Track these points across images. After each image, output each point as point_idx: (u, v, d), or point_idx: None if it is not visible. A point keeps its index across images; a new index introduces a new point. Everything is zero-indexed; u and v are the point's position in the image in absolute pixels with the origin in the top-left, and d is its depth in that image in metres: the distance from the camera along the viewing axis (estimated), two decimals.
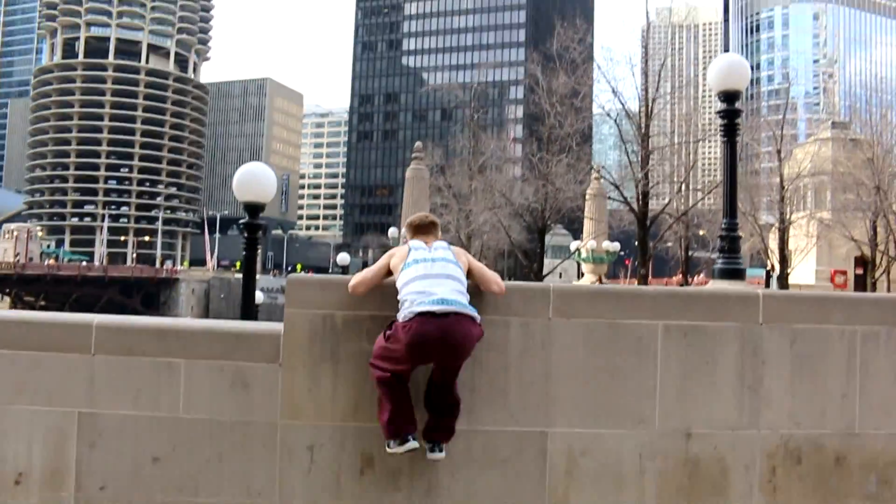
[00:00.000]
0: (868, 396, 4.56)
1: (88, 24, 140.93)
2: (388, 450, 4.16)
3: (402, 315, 4.01)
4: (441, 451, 4.22)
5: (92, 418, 4.38)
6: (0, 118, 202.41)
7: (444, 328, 3.87)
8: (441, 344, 3.92)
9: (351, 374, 4.39)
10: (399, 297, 4.10)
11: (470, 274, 4.31)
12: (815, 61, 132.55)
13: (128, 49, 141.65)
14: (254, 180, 9.31)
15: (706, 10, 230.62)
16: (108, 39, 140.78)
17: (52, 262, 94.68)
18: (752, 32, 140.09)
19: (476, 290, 4.30)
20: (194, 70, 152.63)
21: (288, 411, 4.39)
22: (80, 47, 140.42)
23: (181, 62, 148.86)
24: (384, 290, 4.37)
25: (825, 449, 4.53)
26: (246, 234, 9.20)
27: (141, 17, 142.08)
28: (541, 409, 4.45)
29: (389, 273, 4.32)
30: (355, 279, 4.36)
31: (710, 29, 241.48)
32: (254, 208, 9.18)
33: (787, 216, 31.42)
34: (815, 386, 4.57)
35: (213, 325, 4.86)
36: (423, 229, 4.52)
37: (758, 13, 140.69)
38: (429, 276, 4.07)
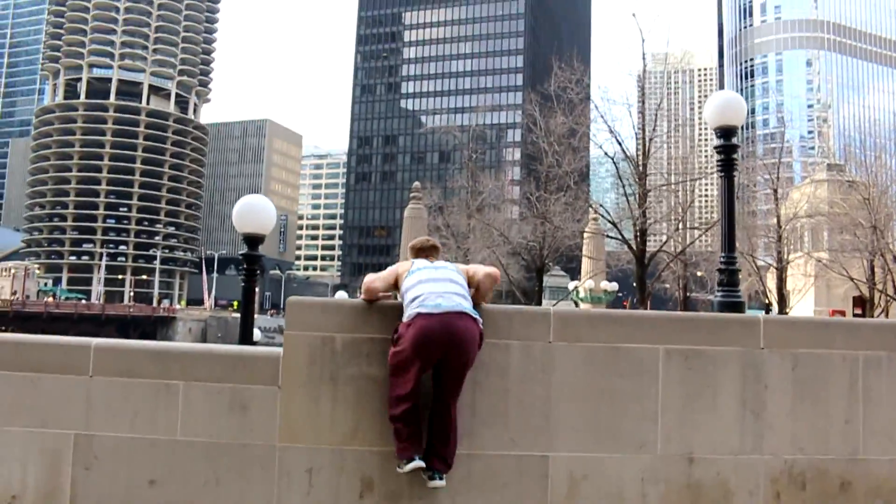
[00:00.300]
0: (872, 422, 4.53)
1: (91, 66, 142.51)
2: (398, 469, 4.15)
3: (407, 315, 4.11)
4: (441, 479, 4.19)
5: (88, 440, 4.33)
6: (1, 157, 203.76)
7: (445, 322, 3.97)
8: (445, 337, 3.98)
9: (351, 397, 4.36)
10: (404, 303, 4.20)
11: (472, 282, 4.37)
12: (810, 106, 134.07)
13: (129, 90, 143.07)
14: (253, 212, 9.33)
15: (701, 56, 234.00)
16: (109, 80, 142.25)
17: (49, 299, 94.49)
18: (746, 77, 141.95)
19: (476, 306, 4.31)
20: (194, 111, 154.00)
21: (286, 434, 4.35)
22: (82, 88, 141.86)
23: (182, 103, 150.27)
24: (384, 313, 4.38)
25: (829, 474, 4.49)
26: (245, 266, 9.19)
27: (143, 59, 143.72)
28: (542, 433, 4.41)
29: (396, 287, 4.39)
30: (370, 276, 4.43)
31: (706, 74, 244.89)
32: (253, 240, 9.18)
33: (785, 256, 31.52)
34: (818, 411, 4.54)
35: (213, 348, 4.84)
36: (424, 251, 4.60)
37: (752, 59, 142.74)
38: (432, 280, 4.19)
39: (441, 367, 4.12)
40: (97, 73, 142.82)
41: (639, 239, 26.40)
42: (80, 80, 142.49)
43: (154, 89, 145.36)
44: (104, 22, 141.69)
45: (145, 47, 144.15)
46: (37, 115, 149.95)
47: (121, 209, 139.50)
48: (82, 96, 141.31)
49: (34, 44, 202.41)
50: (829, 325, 4.93)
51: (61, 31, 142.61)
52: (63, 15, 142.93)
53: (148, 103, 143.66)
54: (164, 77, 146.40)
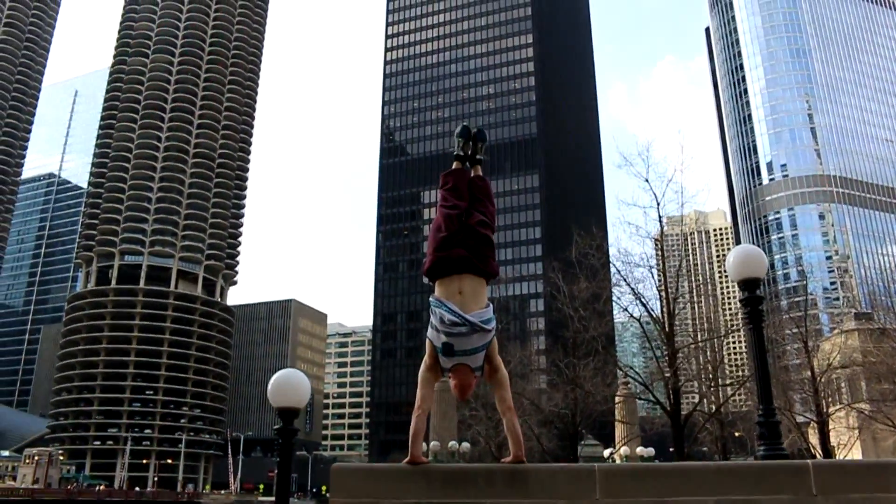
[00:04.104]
0: None
1: (123, 253, 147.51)
2: None
3: None
4: None
5: None
6: (32, 344, 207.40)
7: None
8: None
9: None
10: None
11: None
12: (828, 257, 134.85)
13: (158, 275, 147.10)
14: (289, 385, 9.38)
15: (716, 217, 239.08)
16: (140, 267, 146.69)
17: (70, 487, 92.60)
18: (762, 234, 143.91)
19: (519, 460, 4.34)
20: (221, 293, 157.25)
21: None
22: (114, 275, 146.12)
23: (209, 286, 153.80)
24: (430, 476, 4.36)
25: None
26: (280, 441, 9.15)
27: (172, 245, 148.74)
28: None
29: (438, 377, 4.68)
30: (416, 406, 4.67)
31: (722, 233, 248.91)
32: (288, 414, 9.19)
33: (825, 409, 30.64)
34: None
35: None
36: None
37: (765, 216, 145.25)
38: None
39: None
40: (129, 260, 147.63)
41: (672, 399, 25.91)
42: (111, 267, 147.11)
43: (182, 274, 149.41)
44: (137, 212, 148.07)
45: (174, 234, 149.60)
46: (69, 301, 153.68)
47: (147, 392, 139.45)
48: (113, 282, 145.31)
49: (70, 234, 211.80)
50: (883, 468, 4.82)
51: (96, 222, 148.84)
52: (99, 206, 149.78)
53: (176, 287, 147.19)
54: (192, 262, 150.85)
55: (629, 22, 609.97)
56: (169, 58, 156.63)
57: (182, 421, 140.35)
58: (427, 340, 5.10)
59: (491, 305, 5.20)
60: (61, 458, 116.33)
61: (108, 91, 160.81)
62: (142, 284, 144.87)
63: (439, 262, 5.20)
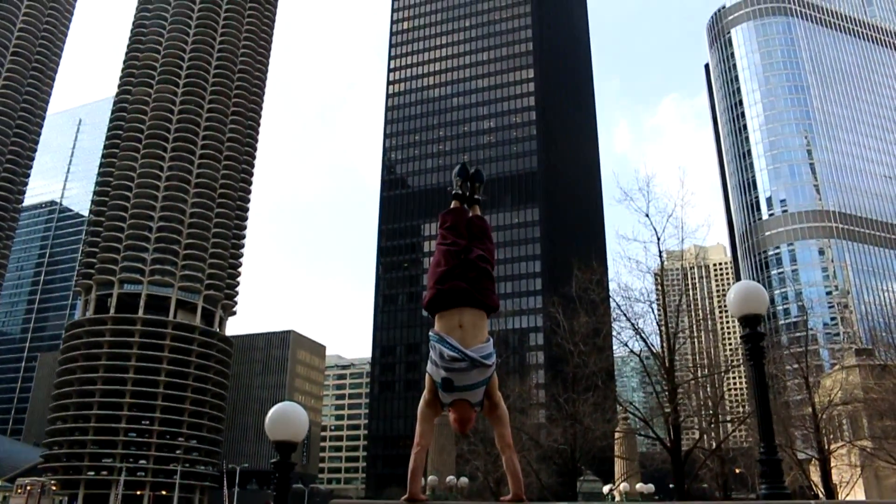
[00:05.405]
0: None
1: (122, 282, 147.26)
2: None
3: None
4: None
5: None
6: (28, 371, 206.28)
7: None
8: None
9: None
10: None
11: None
12: (828, 292, 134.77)
13: (157, 304, 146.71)
14: (286, 419, 9.35)
15: (716, 251, 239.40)
16: (138, 296, 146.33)
17: None
18: (762, 269, 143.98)
19: None
20: (220, 324, 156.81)
21: None
22: (112, 303, 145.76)
23: (207, 316, 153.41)
24: None
25: None
26: (277, 476, 9.08)
27: (172, 275, 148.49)
28: None
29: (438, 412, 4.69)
30: (416, 443, 4.75)
31: (722, 268, 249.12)
32: (286, 448, 9.13)
33: (826, 446, 30.40)
34: None
35: None
36: None
37: (765, 251, 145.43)
38: None
39: None
40: (128, 288, 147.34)
41: (672, 435, 25.72)
42: (110, 295, 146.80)
43: (181, 303, 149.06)
44: (137, 240, 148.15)
45: (174, 263, 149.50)
46: (66, 329, 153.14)
47: (143, 422, 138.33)
48: (112, 311, 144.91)
49: (70, 262, 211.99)
50: None
51: (96, 250, 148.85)
52: (99, 234, 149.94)
53: (175, 317, 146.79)
54: (191, 292, 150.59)
55: (635, 60, 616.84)
56: (173, 88, 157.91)
57: (178, 452, 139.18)
58: (427, 375, 5.09)
59: (491, 340, 5.20)
60: (54, 488, 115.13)
61: (111, 120, 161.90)
62: (140, 313, 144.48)
63: (440, 296, 5.20)
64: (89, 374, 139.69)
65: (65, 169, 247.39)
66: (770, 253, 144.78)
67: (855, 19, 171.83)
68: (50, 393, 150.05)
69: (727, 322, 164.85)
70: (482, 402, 5.01)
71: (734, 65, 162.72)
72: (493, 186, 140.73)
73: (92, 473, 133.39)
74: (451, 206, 5.74)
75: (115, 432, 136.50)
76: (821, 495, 31.29)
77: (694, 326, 36.33)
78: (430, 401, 4.99)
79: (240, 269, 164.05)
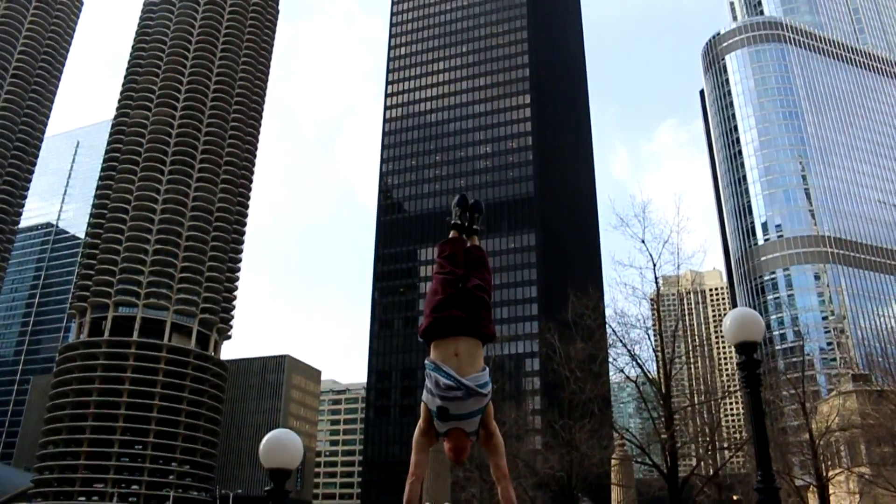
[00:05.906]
0: None
1: (117, 305, 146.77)
2: None
3: None
4: None
5: None
6: (20, 394, 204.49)
7: None
8: None
9: None
10: None
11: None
12: (824, 318, 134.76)
13: (152, 328, 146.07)
14: (281, 446, 9.28)
15: (711, 277, 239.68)
16: (133, 319, 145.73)
17: None
18: (757, 294, 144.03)
19: None
20: (215, 348, 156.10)
21: None
22: (107, 326, 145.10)
23: (202, 340, 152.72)
24: None
25: None
26: (271, 503, 9.00)
27: (167, 298, 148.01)
28: None
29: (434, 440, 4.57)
30: (410, 473, 4.74)
31: (718, 293, 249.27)
32: (280, 476, 9.06)
33: (824, 473, 30.20)
34: None
35: None
36: None
37: (761, 276, 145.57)
38: None
39: None
40: (123, 311, 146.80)
41: (669, 461, 25.56)
42: (105, 318, 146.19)
43: (176, 327, 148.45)
44: (133, 263, 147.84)
45: (170, 286, 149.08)
46: (60, 352, 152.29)
47: (136, 447, 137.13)
48: (106, 334, 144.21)
49: (65, 284, 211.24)
50: None
51: (91, 272, 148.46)
52: (95, 257, 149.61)
53: (169, 340, 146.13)
54: (186, 315, 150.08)
55: (632, 87, 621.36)
56: (171, 111, 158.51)
57: (171, 477, 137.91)
58: (422, 404, 5.07)
59: (487, 369, 5.18)
60: None
61: (109, 142, 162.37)
62: (135, 337, 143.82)
63: (436, 324, 5.20)
64: (82, 398, 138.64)
65: (62, 191, 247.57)
66: (766, 278, 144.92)
67: (847, 46, 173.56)
68: (42, 416, 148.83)
69: (724, 347, 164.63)
70: (478, 431, 4.98)
71: (729, 91, 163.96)
72: (489, 211, 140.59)
73: (83, 499, 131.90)
74: (450, 235, 5.76)
75: (107, 457, 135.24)
76: None
77: (690, 352, 36.26)
78: (426, 430, 4.96)
79: (235, 293, 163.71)
